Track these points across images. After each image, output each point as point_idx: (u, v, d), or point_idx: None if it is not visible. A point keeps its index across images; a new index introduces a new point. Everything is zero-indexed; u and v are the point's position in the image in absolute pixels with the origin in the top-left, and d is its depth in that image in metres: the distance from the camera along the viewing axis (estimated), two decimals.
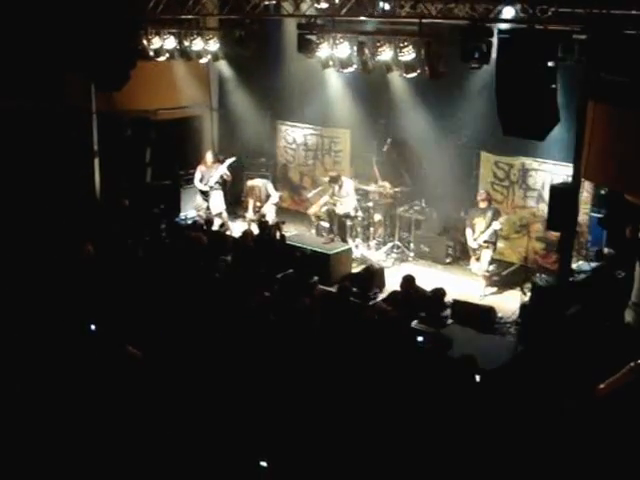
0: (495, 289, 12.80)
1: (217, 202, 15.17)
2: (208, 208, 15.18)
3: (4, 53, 13.73)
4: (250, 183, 15.26)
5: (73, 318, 8.67)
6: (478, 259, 12.86)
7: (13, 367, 7.37)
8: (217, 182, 15.10)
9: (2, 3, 13.59)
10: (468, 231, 12.87)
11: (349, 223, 14.26)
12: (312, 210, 14.78)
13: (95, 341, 8.10)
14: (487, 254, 12.64)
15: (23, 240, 11.39)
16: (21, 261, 10.55)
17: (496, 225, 12.53)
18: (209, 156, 15.38)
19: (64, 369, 7.43)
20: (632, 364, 7.47)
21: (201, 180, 15.21)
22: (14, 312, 8.60)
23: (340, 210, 14.05)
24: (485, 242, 12.60)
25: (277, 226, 13.46)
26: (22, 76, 14.10)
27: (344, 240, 14.00)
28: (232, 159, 15.29)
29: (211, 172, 15.09)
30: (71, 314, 8.78)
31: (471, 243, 12.85)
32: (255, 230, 13.50)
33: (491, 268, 12.79)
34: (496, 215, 12.61)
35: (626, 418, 6.85)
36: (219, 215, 14.96)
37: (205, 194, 15.23)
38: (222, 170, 15.05)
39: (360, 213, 14.37)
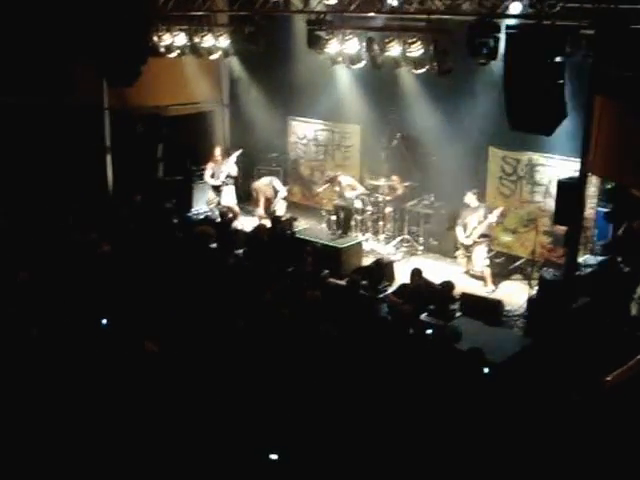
0: (500, 287, 12.77)
1: (228, 197, 15.23)
2: (219, 203, 15.24)
3: (18, 52, 13.81)
4: (256, 185, 15.34)
5: (88, 313, 8.71)
6: (469, 258, 12.94)
7: (27, 363, 7.39)
8: (228, 177, 15.16)
9: (16, 1, 13.67)
10: (459, 229, 12.96)
11: (357, 217, 14.34)
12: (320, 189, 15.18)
13: (112, 336, 8.11)
14: (481, 250, 12.67)
15: (37, 235, 11.44)
16: (35, 256, 10.59)
17: (492, 217, 12.55)
18: (217, 151, 15.43)
19: (81, 364, 7.46)
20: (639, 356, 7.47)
21: (212, 176, 15.27)
22: (29, 308, 8.63)
23: (347, 204, 14.21)
24: (481, 236, 12.62)
25: (289, 222, 13.50)
26: (36, 74, 14.18)
27: (345, 233, 14.03)
28: (238, 152, 15.36)
29: (221, 168, 15.15)
30: (86, 310, 8.81)
31: (463, 240, 12.92)
32: (268, 224, 13.55)
33: (487, 262, 12.76)
34: (488, 211, 12.67)
35: (633, 410, 6.86)
36: (230, 210, 15.02)
37: (217, 189, 15.29)
38: (231, 164, 15.13)
39: (370, 207, 14.44)
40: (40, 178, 13.89)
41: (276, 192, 15.01)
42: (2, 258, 10.24)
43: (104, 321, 8.63)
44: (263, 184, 15.16)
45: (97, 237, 11.14)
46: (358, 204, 14.33)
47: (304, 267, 11.37)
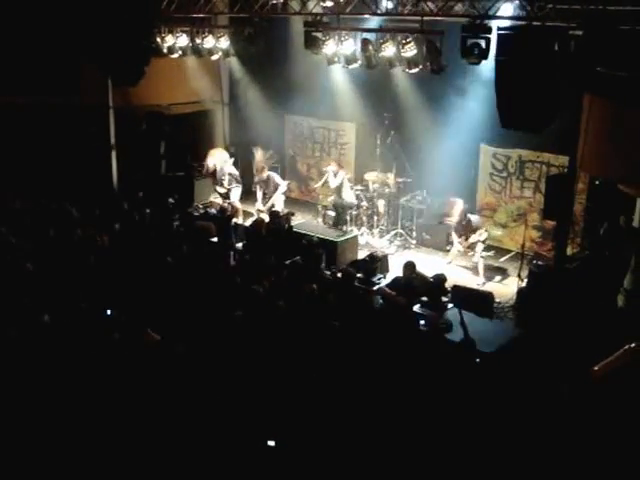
0: (492, 279, 12.70)
1: (235, 196, 15.18)
2: (224, 197, 15.17)
3: (27, 53, 13.76)
4: (258, 175, 15.23)
5: (92, 305, 8.62)
6: (462, 252, 12.98)
7: (31, 355, 7.30)
8: (231, 179, 15.10)
9: (23, 3, 13.57)
10: (454, 234, 12.97)
11: (347, 212, 14.27)
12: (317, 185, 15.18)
13: (115, 326, 8.04)
14: (478, 247, 12.62)
15: (44, 230, 11.35)
16: (43, 250, 10.51)
17: (475, 237, 12.51)
18: (210, 163, 15.36)
19: (86, 353, 7.39)
20: (627, 347, 7.40)
21: (220, 185, 15.23)
22: (34, 300, 8.54)
23: (337, 199, 14.18)
24: (471, 245, 12.62)
25: (287, 216, 13.41)
26: (43, 75, 14.19)
27: (337, 225, 14.00)
28: (230, 161, 15.45)
29: (223, 173, 15.09)
30: (89, 302, 8.72)
31: (457, 246, 12.94)
32: (266, 219, 13.46)
33: (483, 254, 12.70)
34: (475, 227, 12.63)
35: (621, 399, 6.80)
36: (232, 206, 14.95)
37: (225, 196, 15.23)
38: (229, 168, 15.09)
39: (365, 203, 14.39)
40: (48, 174, 13.86)
41: (276, 187, 14.89)
42: (10, 252, 10.17)
43: (108, 311, 8.58)
44: (264, 175, 15.05)
45: (95, 232, 11.06)
46: (353, 200, 14.25)
47: (318, 262, 11.23)
